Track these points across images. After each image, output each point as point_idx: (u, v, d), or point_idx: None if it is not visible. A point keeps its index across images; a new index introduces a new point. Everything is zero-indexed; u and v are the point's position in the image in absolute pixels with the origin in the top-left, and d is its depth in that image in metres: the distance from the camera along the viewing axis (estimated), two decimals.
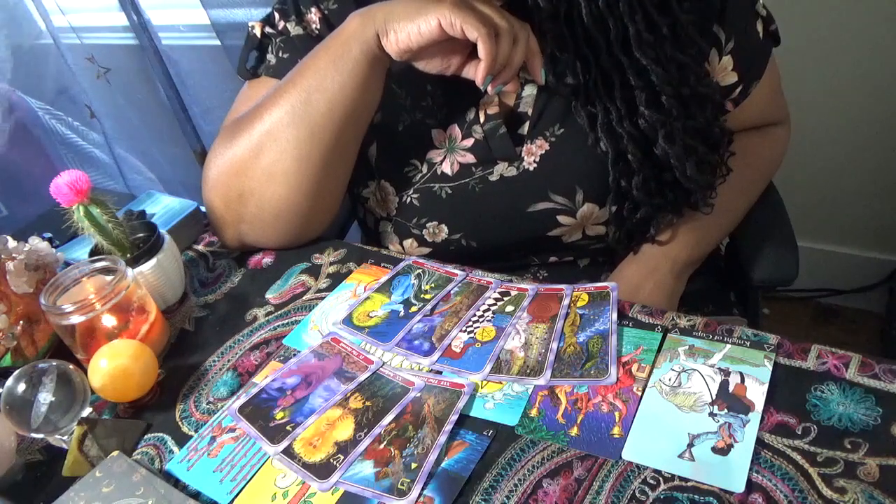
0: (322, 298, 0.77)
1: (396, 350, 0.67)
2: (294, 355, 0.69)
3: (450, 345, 0.67)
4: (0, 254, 0.73)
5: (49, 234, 0.87)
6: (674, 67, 0.73)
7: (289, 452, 0.59)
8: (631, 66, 0.72)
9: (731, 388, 0.57)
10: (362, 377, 0.65)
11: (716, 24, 0.77)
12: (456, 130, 0.81)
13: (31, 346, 0.74)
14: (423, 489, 0.54)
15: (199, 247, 0.92)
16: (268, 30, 0.84)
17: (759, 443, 0.53)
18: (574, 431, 0.56)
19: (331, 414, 0.62)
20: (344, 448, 0.58)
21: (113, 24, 1.67)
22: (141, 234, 0.79)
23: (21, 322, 0.73)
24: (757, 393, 0.56)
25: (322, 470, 0.57)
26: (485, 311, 0.70)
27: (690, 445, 0.53)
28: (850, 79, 1.44)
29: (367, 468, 0.56)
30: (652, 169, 0.77)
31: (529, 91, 0.80)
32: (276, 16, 0.83)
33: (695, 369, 0.59)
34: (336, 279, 0.79)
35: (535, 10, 0.72)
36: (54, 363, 0.63)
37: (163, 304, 0.80)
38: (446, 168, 0.82)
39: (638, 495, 0.51)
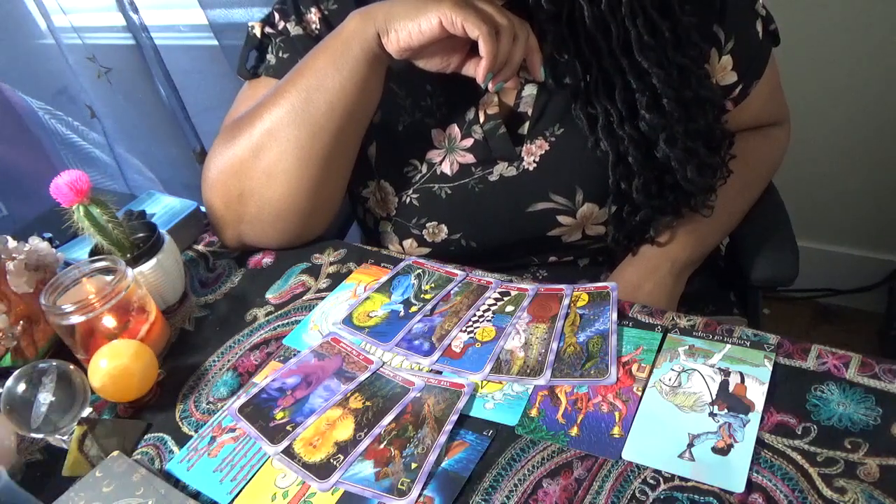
0: (322, 298, 0.77)
1: (396, 350, 0.67)
2: (294, 355, 0.69)
3: (450, 345, 0.67)
4: (0, 254, 0.73)
5: (49, 234, 0.87)
6: (675, 70, 0.73)
7: (289, 452, 0.59)
8: (632, 68, 0.72)
9: (731, 388, 0.57)
10: (362, 377, 0.65)
11: (716, 24, 0.77)
12: (455, 130, 0.81)
13: (31, 346, 0.74)
14: (423, 489, 0.54)
15: (199, 247, 0.92)
16: (268, 30, 0.84)
17: (759, 443, 0.53)
18: (574, 431, 0.56)
19: (331, 414, 0.62)
20: (344, 448, 0.58)
21: (114, 24, 1.67)
22: (141, 234, 0.79)
23: (21, 322, 0.73)
24: (757, 393, 0.56)
25: (322, 470, 0.57)
26: (485, 311, 0.70)
27: (690, 445, 0.53)
28: (850, 79, 1.44)
29: (367, 468, 0.56)
30: (652, 171, 0.77)
31: (529, 91, 0.80)
32: (276, 16, 0.83)
33: (695, 369, 0.59)
34: (336, 279, 0.79)
35: (536, 11, 0.72)
36: (54, 363, 0.63)
37: (163, 304, 0.80)
38: (446, 168, 0.82)
39: (638, 495, 0.51)
